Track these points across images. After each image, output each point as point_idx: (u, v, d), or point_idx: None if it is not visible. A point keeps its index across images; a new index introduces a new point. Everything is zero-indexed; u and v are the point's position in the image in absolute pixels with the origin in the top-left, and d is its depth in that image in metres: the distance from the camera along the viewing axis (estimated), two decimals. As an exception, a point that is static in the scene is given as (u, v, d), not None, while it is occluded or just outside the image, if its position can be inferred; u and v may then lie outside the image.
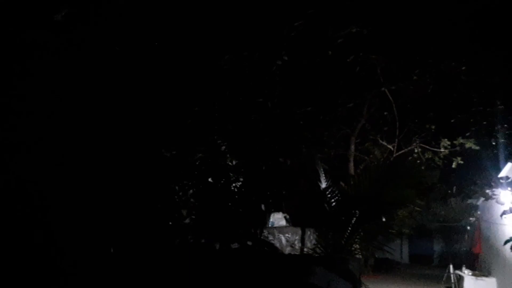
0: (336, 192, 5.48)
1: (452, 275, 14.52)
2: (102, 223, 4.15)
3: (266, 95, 5.67)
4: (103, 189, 4.15)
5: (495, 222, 12.02)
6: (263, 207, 5.65)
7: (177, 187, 4.93)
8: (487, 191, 11.92)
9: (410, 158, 13.98)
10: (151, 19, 4.50)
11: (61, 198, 3.89)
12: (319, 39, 6.96)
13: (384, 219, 5.71)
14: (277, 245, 7.50)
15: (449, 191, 15.66)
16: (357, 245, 5.75)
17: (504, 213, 9.96)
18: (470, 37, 10.47)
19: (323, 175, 5.57)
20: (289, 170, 5.67)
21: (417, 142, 14.50)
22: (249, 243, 5.01)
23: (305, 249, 7.06)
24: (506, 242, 9.04)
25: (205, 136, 5.18)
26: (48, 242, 3.78)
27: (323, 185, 5.52)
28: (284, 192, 6.02)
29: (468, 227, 16.76)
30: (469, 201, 16.15)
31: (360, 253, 5.98)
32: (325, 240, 5.62)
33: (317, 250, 5.66)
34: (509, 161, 11.32)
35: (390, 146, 14.68)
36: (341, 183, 5.78)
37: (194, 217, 4.93)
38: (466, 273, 13.61)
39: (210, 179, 5.06)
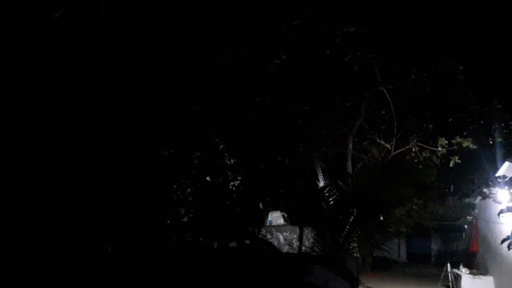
0: (334, 191, 5.50)
1: (449, 274, 14.55)
2: (100, 222, 4.17)
3: (264, 94, 5.68)
4: (102, 188, 4.17)
5: (493, 221, 12.06)
6: (261, 205, 5.68)
7: (175, 186, 4.94)
8: (485, 190, 11.95)
9: (407, 157, 14.02)
10: (150, 19, 4.51)
11: (61, 198, 3.90)
12: (317, 38, 6.98)
13: (382, 218, 5.73)
14: (275, 243, 7.53)
15: (447, 190, 15.70)
16: (355, 244, 5.77)
17: (501, 212, 9.99)
18: (468, 37, 10.50)
19: (321, 174, 5.59)
20: (287, 169, 5.68)
21: (415, 141, 14.52)
22: (247, 241, 5.03)
23: (303, 248, 7.09)
24: (503, 241, 9.10)
25: (203, 135, 5.19)
26: (48, 242, 3.79)
27: (321, 184, 5.54)
28: (282, 191, 6.04)
29: (466, 226, 16.80)
30: (467, 200, 16.21)
31: (358, 252, 6.00)
32: (323, 238, 5.64)
33: (315, 248, 5.68)
34: (506, 160, 11.38)
35: (388, 145, 14.69)
36: (339, 182, 5.80)
37: (192, 215, 4.94)
38: (463, 271, 13.66)
39: (208, 178, 5.07)
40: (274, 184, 5.61)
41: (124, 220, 4.32)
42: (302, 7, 5.90)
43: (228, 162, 5.37)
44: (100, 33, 4.10)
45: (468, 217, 16.09)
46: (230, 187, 5.21)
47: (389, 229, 6.48)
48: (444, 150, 13.97)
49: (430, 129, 14.10)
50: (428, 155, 14.43)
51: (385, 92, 13.29)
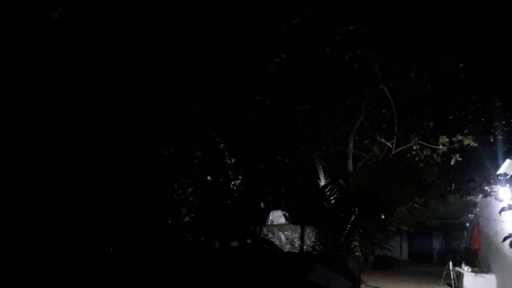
0: (335, 189, 5.49)
1: (451, 272, 14.56)
2: (101, 222, 4.16)
3: (264, 93, 5.67)
4: (102, 188, 4.16)
5: (494, 219, 12.06)
6: (262, 205, 5.67)
7: (176, 186, 4.93)
8: (486, 188, 11.94)
9: (408, 155, 14.05)
10: (150, 19, 4.51)
11: (61, 198, 3.89)
12: (317, 37, 6.98)
13: (383, 217, 5.73)
14: (277, 243, 7.52)
15: (448, 188, 15.69)
16: (357, 243, 5.77)
17: (502, 209, 10.01)
18: (468, 36, 10.50)
19: (322, 172, 5.59)
20: (287, 168, 5.68)
21: (416, 139, 14.54)
22: (249, 241, 5.02)
23: (304, 247, 7.10)
24: (505, 238, 9.10)
25: (204, 135, 5.18)
26: (48, 242, 3.79)
27: (322, 182, 5.53)
28: (283, 190, 6.03)
29: (467, 224, 16.80)
30: (468, 198, 16.17)
31: (359, 251, 6.00)
32: (324, 237, 5.64)
33: (317, 247, 5.68)
34: (507, 158, 11.36)
35: (388, 144, 14.70)
36: (340, 180, 5.79)
37: (193, 215, 4.94)
38: (465, 269, 13.65)
39: (209, 178, 5.07)
40: (275, 184, 5.61)
41: (125, 220, 4.32)
42: (301, 6, 5.89)
43: (228, 162, 5.36)
44: (100, 33, 4.10)
45: (470, 215, 16.09)
46: (231, 186, 5.20)
47: (390, 228, 6.46)
48: (445, 148, 13.99)
49: (431, 127, 14.12)
50: (429, 153, 14.46)
51: (386, 90, 13.30)
